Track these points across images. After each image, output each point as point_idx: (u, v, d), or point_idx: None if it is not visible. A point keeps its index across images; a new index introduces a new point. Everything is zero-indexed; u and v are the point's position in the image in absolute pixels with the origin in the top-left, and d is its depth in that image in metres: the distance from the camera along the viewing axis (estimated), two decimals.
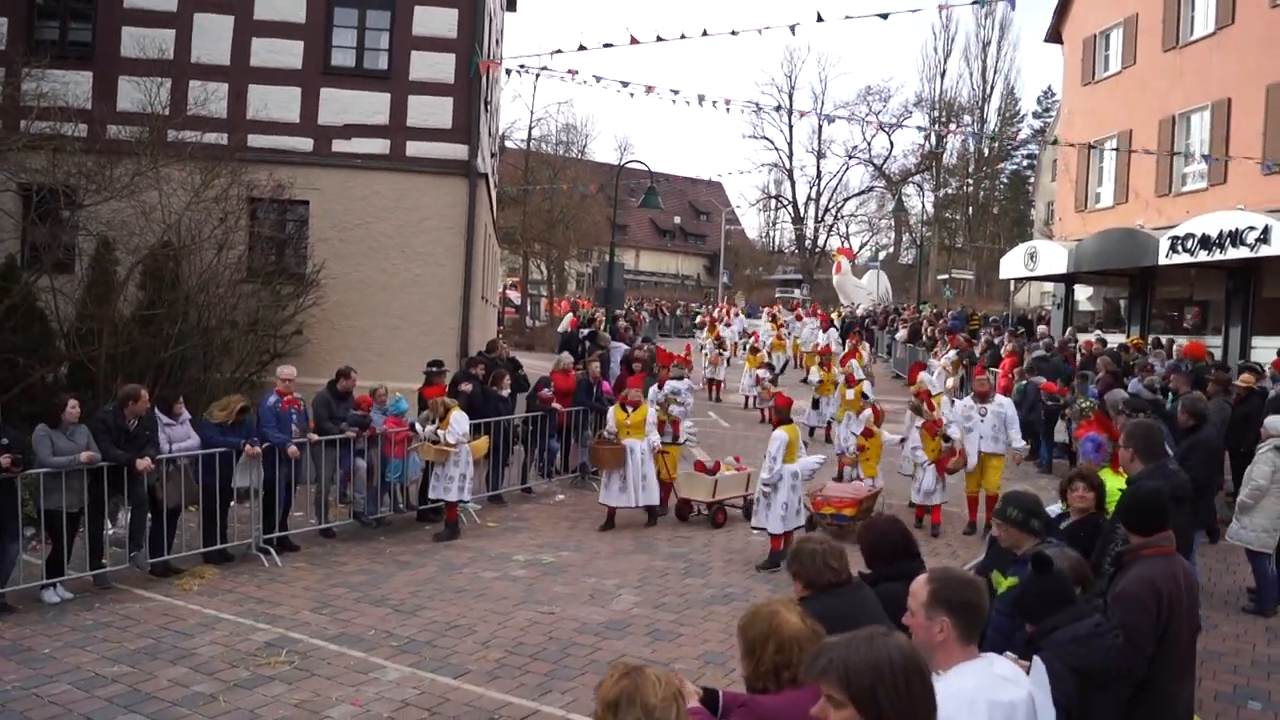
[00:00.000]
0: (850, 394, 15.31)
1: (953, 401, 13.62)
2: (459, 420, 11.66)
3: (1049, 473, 15.20)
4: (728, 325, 32.06)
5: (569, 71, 16.39)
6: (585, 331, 22.19)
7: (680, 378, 15.21)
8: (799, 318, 35.37)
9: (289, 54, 16.27)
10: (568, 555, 10.96)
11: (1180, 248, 18.88)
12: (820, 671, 2.48)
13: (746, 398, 22.90)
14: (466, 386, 13.16)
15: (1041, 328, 25.43)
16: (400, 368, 15.24)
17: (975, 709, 3.01)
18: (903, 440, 13.13)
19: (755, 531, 11.31)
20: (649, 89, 17.15)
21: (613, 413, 12.78)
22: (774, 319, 33.60)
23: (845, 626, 3.43)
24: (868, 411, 13.01)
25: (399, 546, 11.24)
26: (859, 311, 39.77)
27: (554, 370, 15.16)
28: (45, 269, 13.27)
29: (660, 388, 14.16)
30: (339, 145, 16.39)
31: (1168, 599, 4.48)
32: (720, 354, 25.75)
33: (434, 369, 13.25)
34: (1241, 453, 11.57)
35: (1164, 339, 19.59)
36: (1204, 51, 21.39)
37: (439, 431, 11.49)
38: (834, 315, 37.52)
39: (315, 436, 11.20)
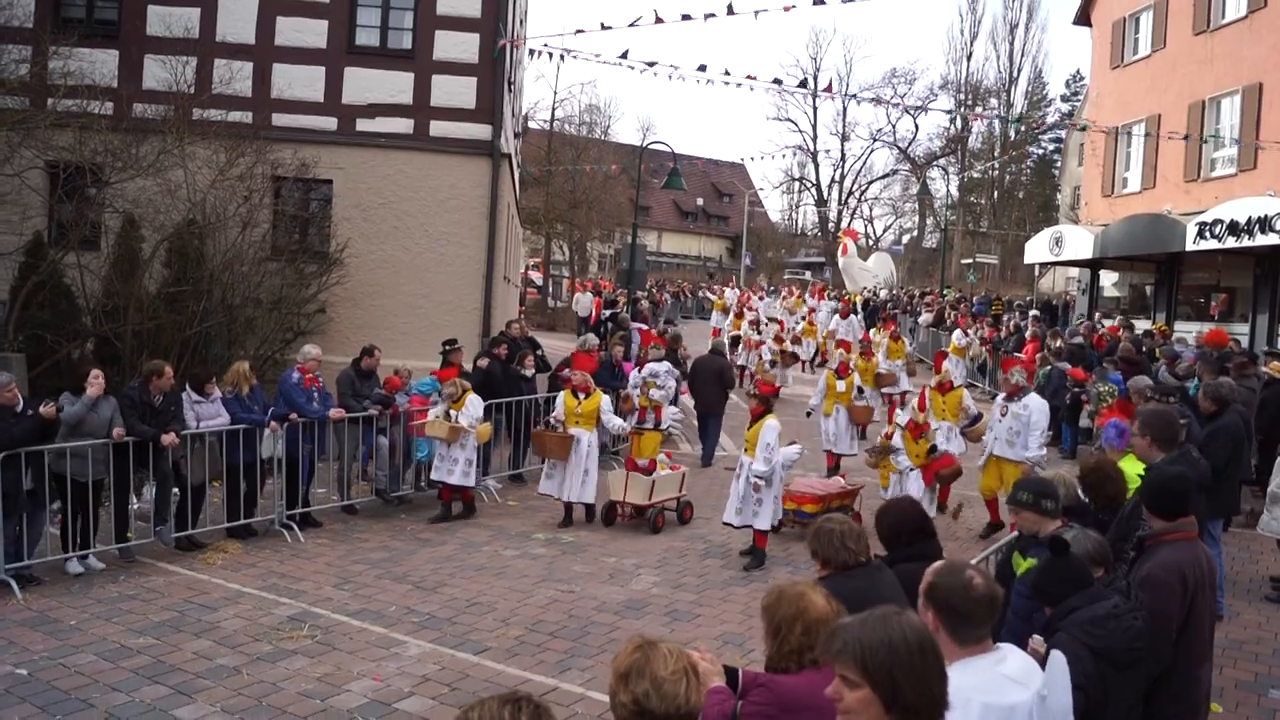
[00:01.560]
0: (841, 386, 14.24)
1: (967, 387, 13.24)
2: (474, 404, 11.57)
3: (1072, 458, 15.12)
4: (750, 309, 31.09)
5: (593, 53, 16.24)
6: (609, 313, 22.16)
7: (660, 359, 14.49)
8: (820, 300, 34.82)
9: (313, 33, 16.27)
10: (587, 534, 11.02)
11: (1208, 234, 18.69)
12: (836, 652, 2.50)
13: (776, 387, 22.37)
14: (483, 362, 13.21)
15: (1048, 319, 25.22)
16: (423, 346, 15.31)
17: (968, 709, 2.96)
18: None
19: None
20: (673, 68, 17.07)
21: (562, 399, 11.76)
22: (817, 297, 32.66)
23: (864, 606, 3.43)
24: (903, 417, 11.27)
25: (420, 524, 11.31)
26: (882, 294, 39.51)
27: (578, 349, 15.17)
28: (72, 246, 13.40)
29: (639, 369, 13.55)
30: (363, 125, 16.41)
31: (1193, 585, 4.50)
32: (755, 337, 23.94)
33: (448, 348, 13.27)
34: (1259, 440, 11.50)
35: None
36: (1235, 35, 21.11)
37: (451, 411, 11.41)
38: (855, 299, 37.10)
39: (338, 412, 11.26)
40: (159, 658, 7.10)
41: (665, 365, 14.22)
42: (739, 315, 27.09)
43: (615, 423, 11.83)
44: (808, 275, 58.53)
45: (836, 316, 28.73)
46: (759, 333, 24.99)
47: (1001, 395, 11.40)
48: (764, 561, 10.04)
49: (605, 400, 11.86)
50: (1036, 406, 10.80)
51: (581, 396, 11.55)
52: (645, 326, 20.07)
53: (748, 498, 10.07)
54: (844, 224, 69.21)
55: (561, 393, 11.99)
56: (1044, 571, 4.19)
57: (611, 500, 11.48)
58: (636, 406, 12.87)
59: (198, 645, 7.36)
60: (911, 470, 10.68)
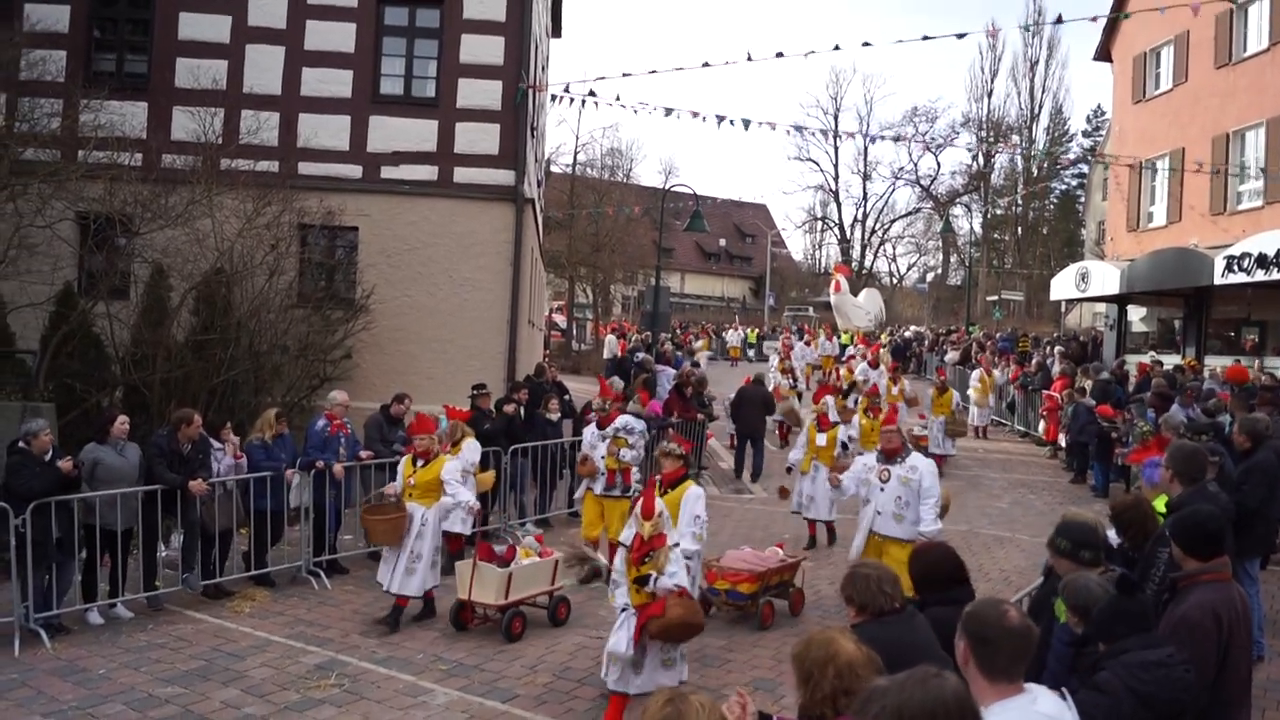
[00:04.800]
0: (822, 439, 12.55)
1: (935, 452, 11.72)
2: (471, 449, 10.94)
3: (1104, 497, 14.92)
4: (786, 357, 27.58)
5: (615, 98, 16.38)
6: (639, 356, 22.01)
7: (637, 412, 12.37)
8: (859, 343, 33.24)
9: (339, 83, 16.51)
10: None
11: (1236, 267, 18.54)
12: (874, 718, 2.44)
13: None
14: (509, 408, 13.21)
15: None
16: (448, 391, 15.29)
17: None
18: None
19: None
20: (694, 114, 17.19)
21: (401, 465, 9.67)
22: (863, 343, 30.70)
23: (900, 653, 3.38)
24: None
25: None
26: (908, 334, 39.29)
27: None
28: (102, 295, 13.54)
29: (602, 427, 11.16)
30: (388, 172, 16.58)
31: (1228, 625, 4.41)
32: (794, 389, 21.63)
33: (476, 392, 13.27)
34: None
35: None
36: (1258, 67, 21.06)
37: (447, 455, 9.86)
38: (884, 339, 36.61)
39: (366, 454, 11.29)
40: (187, 707, 7.08)
41: (640, 422, 11.66)
42: (782, 360, 24.96)
43: (463, 496, 9.47)
44: (810, 311, 58.34)
45: (865, 364, 26.93)
46: (795, 383, 22.85)
47: (875, 455, 9.11)
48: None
49: (450, 466, 9.42)
50: (926, 469, 8.72)
51: (420, 463, 9.44)
52: (673, 369, 19.97)
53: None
54: (868, 263, 69.27)
55: (402, 459, 9.85)
56: (1105, 608, 4.12)
57: (459, 599, 9.14)
58: (602, 470, 10.76)
59: (226, 694, 7.33)
60: (624, 610, 6.96)
